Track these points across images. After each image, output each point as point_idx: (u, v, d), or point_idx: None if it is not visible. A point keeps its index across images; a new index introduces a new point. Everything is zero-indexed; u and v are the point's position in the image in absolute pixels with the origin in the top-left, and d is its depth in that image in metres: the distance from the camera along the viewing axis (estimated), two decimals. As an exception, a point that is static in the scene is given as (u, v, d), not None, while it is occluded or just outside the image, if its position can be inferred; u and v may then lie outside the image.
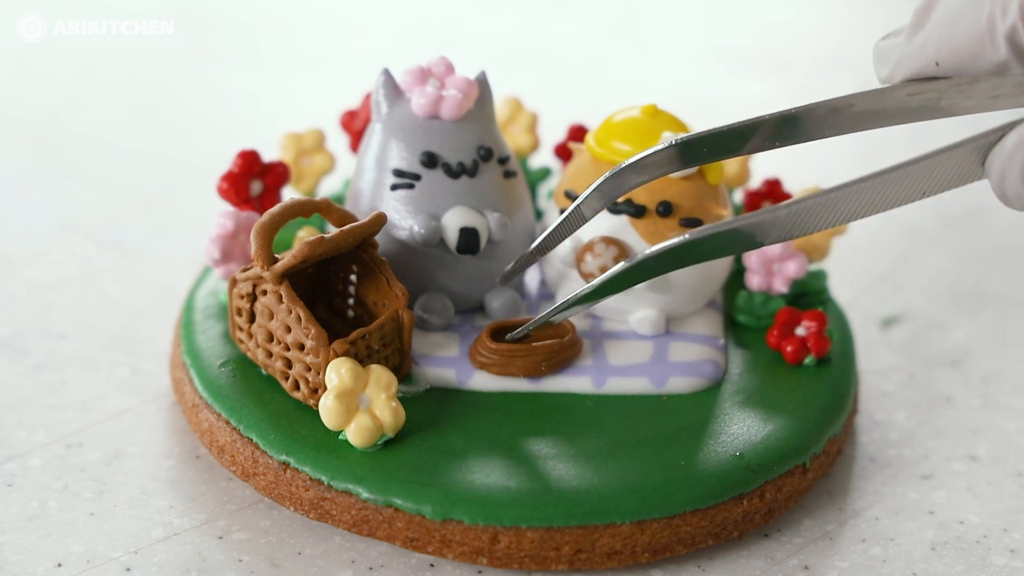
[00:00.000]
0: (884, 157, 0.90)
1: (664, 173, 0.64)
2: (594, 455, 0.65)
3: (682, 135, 0.63)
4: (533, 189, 0.81)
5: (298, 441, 0.65)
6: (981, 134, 0.57)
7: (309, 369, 0.66)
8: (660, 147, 0.63)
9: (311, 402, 0.66)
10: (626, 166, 0.64)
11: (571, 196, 0.71)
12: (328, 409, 0.64)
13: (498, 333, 0.69)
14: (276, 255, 0.66)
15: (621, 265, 0.62)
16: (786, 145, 0.61)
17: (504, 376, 0.68)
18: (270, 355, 0.67)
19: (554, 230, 0.67)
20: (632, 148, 0.70)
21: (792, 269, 0.73)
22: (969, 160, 0.57)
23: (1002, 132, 0.56)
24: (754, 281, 0.73)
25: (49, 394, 0.73)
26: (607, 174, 0.65)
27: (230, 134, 0.98)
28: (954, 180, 0.58)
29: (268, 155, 0.75)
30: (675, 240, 0.60)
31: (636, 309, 0.71)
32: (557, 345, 0.68)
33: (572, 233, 0.67)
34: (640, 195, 0.69)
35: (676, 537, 0.64)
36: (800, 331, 0.71)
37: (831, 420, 0.69)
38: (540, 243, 0.68)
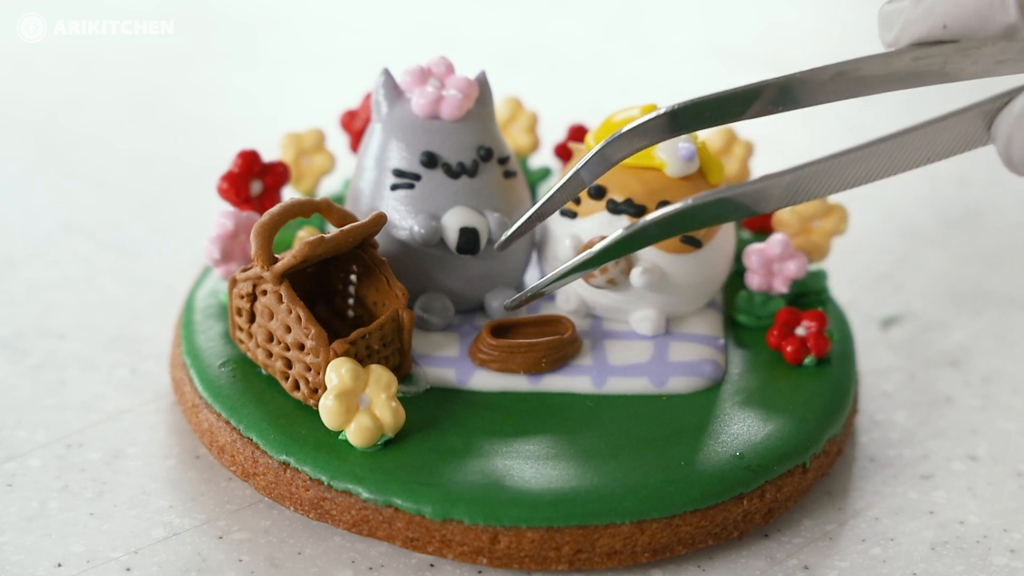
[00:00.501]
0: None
1: (665, 138, 0.62)
2: (594, 455, 0.65)
3: (683, 101, 0.62)
4: (533, 189, 0.81)
5: (298, 441, 0.65)
6: (988, 99, 0.56)
7: (309, 369, 0.66)
8: (661, 111, 0.61)
9: (311, 402, 0.66)
10: (628, 130, 0.62)
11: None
12: (328, 409, 0.64)
13: (499, 331, 0.69)
14: (276, 255, 0.66)
15: (620, 232, 0.60)
16: (790, 109, 0.60)
17: (504, 373, 0.68)
18: (270, 355, 0.67)
19: (554, 195, 0.65)
20: (632, 148, 0.69)
21: (792, 269, 0.73)
22: (975, 125, 0.57)
23: (1009, 97, 0.56)
24: (754, 281, 0.73)
25: (49, 394, 0.73)
26: (608, 138, 0.63)
27: (230, 134, 0.98)
28: (960, 145, 0.57)
29: (268, 155, 0.75)
30: (677, 205, 0.59)
31: (636, 309, 0.71)
32: (557, 341, 0.68)
33: (572, 197, 0.65)
34: (640, 195, 0.69)
35: (676, 537, 0.64)
36: (800, 331, 0.71)
37: (831, 420, 0.69)
38: (539, 208, 0.66)
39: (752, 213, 0.58)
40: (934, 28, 0.58)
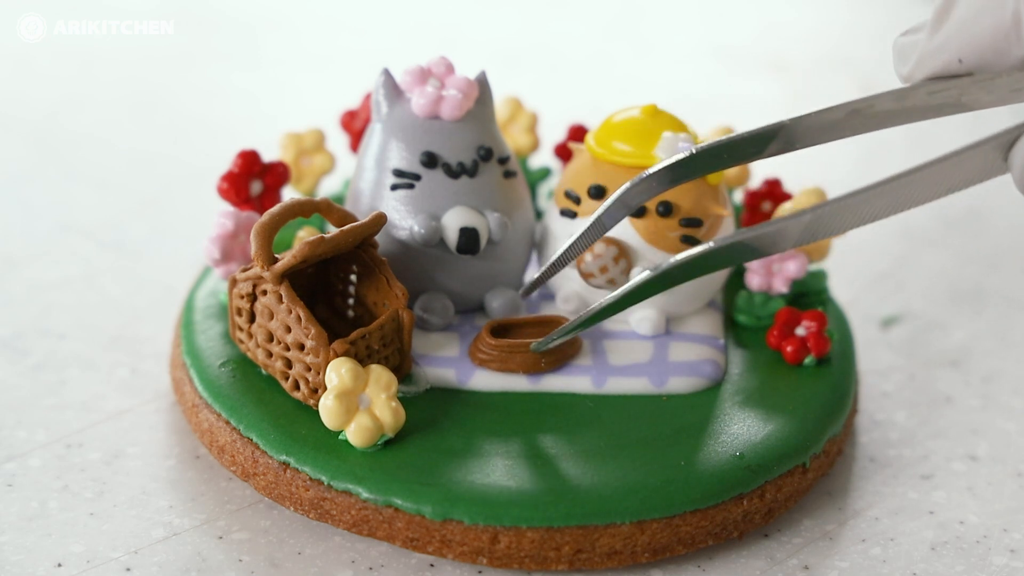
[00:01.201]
0: (884, 154, 0.90)
1: (683, 181, 0.63)
2: (594, 455, 0.65)
3: (701, 144, 0.62)
4: (533, 189, 0.81)
5: (298, 441, 0.65)
6: (1004, 131, 0.56)
7: (309, 369, 0.66)
8: (680, 156, 0.62)
9: (311, 402, 0.66)
10: (647, 175, 0.63)
11: (571, 196, 0.71)
12: (328, 409, 0.64)
13: (498, 331, 0.69)
14: (276, 255, 0.66)
15: (646, 275, 0.61)
16: (806, 147, 0.61)
17: (504, 373, 0.68)
18: (270, 355, 0.67)
19: (577, 240, 0.66)
20: (632, 148, 0.70)
21: (792, 269, 0.73)
22: (992, 156, 0.57)
23: None
24: (754, 281, 0.73)
25: (49, 394, 0.73)
26: (628, 184, 0.63)
27: (230, 134, 0.98)
28: (977, 176, 0.58)
29: (268, 155, 0.75)
30: (699, 249, 0.59)
31: (636, 309, 0.71)
32: (557, 344, 0.69)
33: (592, 243, 0.66)
34: (640, 195, 0.69)
35: (676, 537, 0.64)
36: (800, 331, 0.71)
37: (831, 420, 0.69)
38: (563, 254, 0.67)
39: (771, 252, 0.59)
40: (950, 62, 0.58)
